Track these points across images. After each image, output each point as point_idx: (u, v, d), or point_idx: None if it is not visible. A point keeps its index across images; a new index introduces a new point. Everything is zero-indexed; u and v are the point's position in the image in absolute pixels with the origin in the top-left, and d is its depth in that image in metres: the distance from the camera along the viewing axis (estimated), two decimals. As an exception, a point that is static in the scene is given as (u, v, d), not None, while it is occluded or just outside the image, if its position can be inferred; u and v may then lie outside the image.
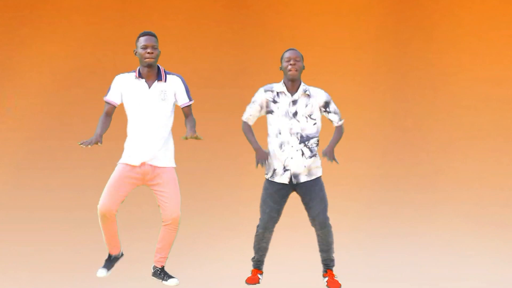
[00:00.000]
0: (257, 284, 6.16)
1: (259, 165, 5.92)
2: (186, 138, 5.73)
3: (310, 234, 6.41)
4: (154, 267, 6.05)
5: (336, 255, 6.22)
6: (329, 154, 5.91)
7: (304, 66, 5.99)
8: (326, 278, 6.11)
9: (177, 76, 5.96)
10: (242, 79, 9.40)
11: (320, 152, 6.00)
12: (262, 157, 5.91)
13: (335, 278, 6.08)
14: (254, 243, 6.10)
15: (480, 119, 9.29)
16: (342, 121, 6.10)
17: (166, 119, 5.85)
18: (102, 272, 6.03)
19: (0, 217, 8.78)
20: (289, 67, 5.90)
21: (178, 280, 5.99)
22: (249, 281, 6.14)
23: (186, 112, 5.94)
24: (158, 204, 5.88)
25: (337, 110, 6.07)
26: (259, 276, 6.18)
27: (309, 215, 5.94)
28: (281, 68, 5.99)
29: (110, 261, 6.09)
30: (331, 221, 5.99)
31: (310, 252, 6.59)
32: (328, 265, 6.11)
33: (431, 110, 9.39)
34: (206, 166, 9.16)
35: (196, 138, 5.68)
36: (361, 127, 9.23)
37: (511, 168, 9.09)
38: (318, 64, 9.29)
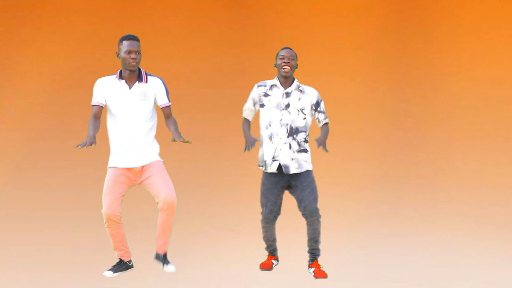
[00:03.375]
0: (270, 270, 6.40)
1: (247, 150, 6.14)
2: (174, 140, 5.88)
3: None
4: (157, 253, 6.17)
5: (336, 255, 6.28)
6: (321, 141, 6.14)
7: (297, 65, 6.28)
8: (313, 269, 6.33)
9: (158, 77, 6.06)
10: (242, 79, 9.40)
11: (311, 147, 6.23)
12: (250, 141, 6.16)
13: (322, 268, 6.30)
14: (262, 236, 6.37)
15: (480, 119, 9.28)
16: (328, 120, 6.31)
17: (148, 119, 5.96)
18: (108, 273, 6.09)
19: (0, 217, 8.78)
20: (283, 64, 6.19)
21: (175, 267, 6.12)
22: (263, 265, 6.41)
23: (166, 113, 6.05)
24: (153, 195, 5.98)
25: (325, 111, 6.30)
26: (274, 261, 6.44)
27: (300, 204, 6.17)
28: (275, 65, 6.29)
29: (120, 266, 6.13)
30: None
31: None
32: (314, 254, 6.34)
33: (431, 110, 9.39)
34: (206, 166, 9.15)
35: (187, 141, 5.82)
36: (361, 127, 9.23)
37: (511, 168, 9.08)
38: (318, 64, 9.30)
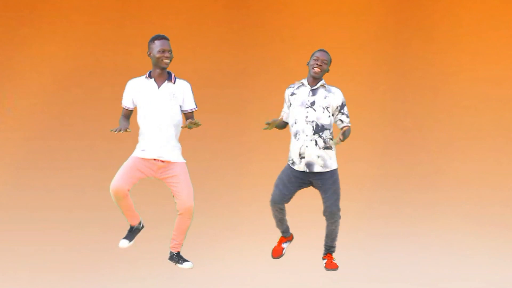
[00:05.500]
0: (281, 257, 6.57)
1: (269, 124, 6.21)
2: (186, 126, 5.99)
3: (311, 235, 6.43)
4: (171, 252, 6.36)
5: (336, 255, 6.29)
6: (340, 139, 6.22)
7: (328, 69, 6.38)
8: (325, 260, 6.49)
9: (187, 82, 6.21)
10: (242, 79, 9.40)
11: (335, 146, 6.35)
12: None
13: (334, 261, 6.46)
14: (274, 221, 6.47)
15: (480, 119, 9.28)
16: (350, 124, 6.36)
17: (175, 117, 6.10)
18: (124, 243, 6.27)
19: (0, 217, 8.78)
20: (315, 65, 6.29)
21: (192, 264, 6.33)
22: (274, 254, 6.57)
23: (189, 117, 6.18)
24: (173, 195, 6.15)
25: (348, 114, 6.37)
26: (284, 245, 6.58)
27: (323, 204, 6.31)
28: (308, 64, 6.36)
29: (132, 232, 6.32)
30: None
31: (310, 252, 6.60)
32: (329, 249, 6.51)
33: (431, 110, 9.39)
34: (206, 166, 9.15)
35: (196, 124, 5.95)
36: (361, 127, 9.19)
37: (511, 168, 9.08)
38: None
